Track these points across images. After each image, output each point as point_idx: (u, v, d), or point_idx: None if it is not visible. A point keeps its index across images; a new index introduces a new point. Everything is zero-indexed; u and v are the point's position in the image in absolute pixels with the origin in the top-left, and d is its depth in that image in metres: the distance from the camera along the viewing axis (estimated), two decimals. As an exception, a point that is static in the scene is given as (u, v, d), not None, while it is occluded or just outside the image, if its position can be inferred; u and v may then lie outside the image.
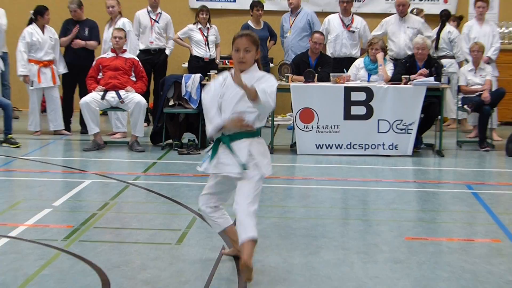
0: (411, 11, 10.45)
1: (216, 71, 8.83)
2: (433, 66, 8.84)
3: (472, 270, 4.43)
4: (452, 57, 10.41)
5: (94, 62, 9.11)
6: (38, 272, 4.26)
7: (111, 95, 8.67)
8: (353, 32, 10.14)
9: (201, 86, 8.63)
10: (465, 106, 9.30)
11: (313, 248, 4.84)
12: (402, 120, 8.43)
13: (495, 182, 7.35)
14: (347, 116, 8.46)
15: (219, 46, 10.55)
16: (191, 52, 10.44)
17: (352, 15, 10.25)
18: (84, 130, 9.52)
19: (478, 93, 9.14)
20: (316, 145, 8.51)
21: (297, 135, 8.58)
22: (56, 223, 5.38)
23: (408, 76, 8.58)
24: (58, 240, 4.91)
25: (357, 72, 9.10)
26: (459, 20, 10.87)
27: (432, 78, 8.54)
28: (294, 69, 9.01)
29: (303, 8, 10.61)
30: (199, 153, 8.33)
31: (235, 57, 4.16)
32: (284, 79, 8.78)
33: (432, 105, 8.60)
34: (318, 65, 9.20)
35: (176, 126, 8.95)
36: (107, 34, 9.81)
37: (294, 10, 10.52)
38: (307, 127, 8.50)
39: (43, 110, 10.14)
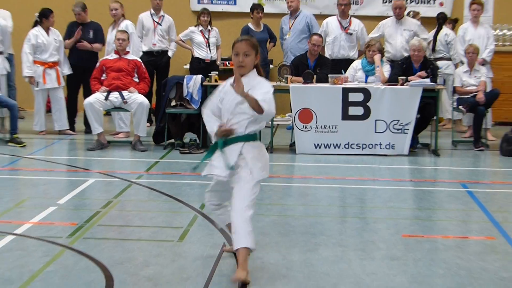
0: (408, 14, 10.46)
1: (217, 72, 8.85)
2: (429, 68, 8.85)
3: (467, 267, 4.44)
4: (449, 59, 10.42)
5: (97, 64, 9.12)
6: (43, 269, 4.26)
7: (114, 96, 8.67)
8: (351, 34, 10.14)
9: (202, 87, 8.65)
10: (460, 107, 9.30)
11: (312, 245, 4.84)
12: (398, 120, 8.43)
13: (490, 181, 7.35)
14: (345, 116, 8.46)
15: (220, 48, 10.55)
16: (193, 54, 10.44)
17: (350, 18, 10.24)
18: (88, 130, 9.54)
19: (473, 94, 9.14)
20: (314, 144, 8.51)
21: (296, 135, 8.58)
22: (61, 221, 5.39)
23: (404, 77, 8.58)
24: (63, 237, 4.91)
25: (355, 73, 9.10)
26: (454, 23, 10.88)
27: (428, 80, 8.55)
28: (293, 71, 9.01)
29: (302, 11, 10.61)
30: (201, 152, 8.32)
31: (235, 61, 4.16)
32: (283, 80, 8.78)
33: (428, 106, 8.61)
34: (316, 66, 9.20)
35: (178, 126, 8.95)
36: (110, 36, 9.82)
37: (293, 12, 10.52)
38: (306, 127, 8.50)
39: (48, 110, 10.14)
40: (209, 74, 8.79)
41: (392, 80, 8.72)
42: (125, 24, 9.77)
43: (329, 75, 8.70)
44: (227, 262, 4.43)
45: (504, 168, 8.08)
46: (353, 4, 11.11)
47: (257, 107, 3.94)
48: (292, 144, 8.85)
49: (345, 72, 9.11)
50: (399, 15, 10.00)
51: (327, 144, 8.51)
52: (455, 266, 4.44)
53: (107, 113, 9.88)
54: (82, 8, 9.89)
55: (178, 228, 5.22)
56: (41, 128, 9.81)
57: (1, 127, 9.97)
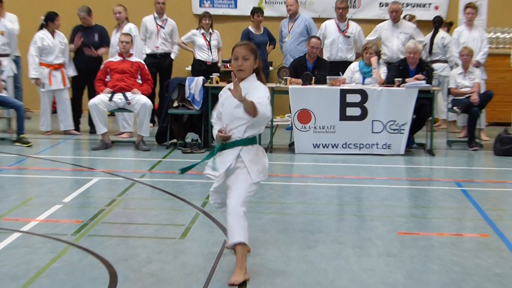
0: (404, 17, 10.46)
1: (218, 74, 8.85)
2: (424, 70, 8.85)
3: (461, 263, 4.44)
4: (445, 61, 10.41)
5: (102, 66, 9.13)
6: (49, 265, 4.27)
7: (118, 97, 8.67)
8: (349, 37, 10.14)
9: (204, 88, 8.66)
10: (455, 108, 9.30)
11: (310, 242, 4.85)
12: (395, 121, 8.43)
13: (483, 179, 7.35)
14: (343, 117, 8.46)
15: (221, 50, 10.54)
16: (194, 56, 10.44)
17: (348, 21, 10.25)
18: (92, 130, 9.54)
19: (467, 95, 9.14)
20: (313, 144, 8.51)
21: (295, 135, 8.58)
22: (66, 218, 5.39)
23: (400, 79, 8.59)
24: (68, 235, 4.91)
25: (352, 75, 9.09)
26: (449, 26, 10.88)
27: (423, 81, 8.56)
28: (292, 72, 9.01)
29: (301, 14, 10.61)
30: (202, 152, 8.33)
31: (234, 65, 4.16)
32: (282, 82, 8.79)
33: (424, 107, 8.62)
34: (315, 68, 9.21)
35: (180, 126, 8.96)
36: (114, 38, 9.82)
37: (293, 16, 10.52)
38: (304, 127, 8.51)
39: (54, 111, 10.14)
40: (211, 76, 8.79)
41: (388, 81, 8.72)
42: (129, 27, 9.77)
43: (327, 77, 8.71)
44: (228, 259, 4.43)
45: (497, 167, 8.08)
46: (350, 7, 11.11)
47: (252, 111, 3.94)
48: (291, 144, 8.86)
49: (342, 74, 9.12)
50: (395, 19, 10.01)
51: (325, 144, 8.51)
52: (450, 263, 4.45)
53: (111, 113, 9.88)
54: (87, 12, 9.90)
55: (180, 226, 5.23)
56: (47, 128, 9.81)
57: (8, 127, 9.99)
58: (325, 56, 10.08)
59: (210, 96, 8.47)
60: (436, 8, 11.94)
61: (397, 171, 7.80)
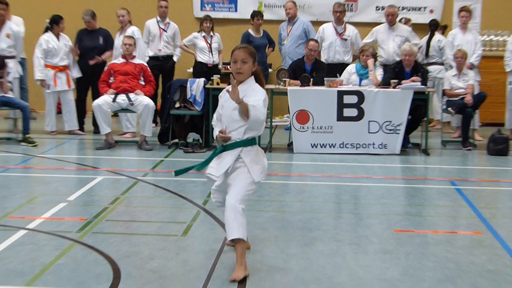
0: (400, 21, 10.47)
1: (218, 76, 8.85)
2: (420, 71, 8.85)
3: (455, 260, 4.44)
4: (442, 63, 10.40)
5: (105, 67, 9.13)
6: (54, 262, 4.26)
7: (121, 98, 8.67)
8: (346, 40, 10.15)
9: (205, 89, 8.66)
10: (449, 109, 9.30)
11: (309, 239, 4.84)
12: (391, 121, 8.43)
13: (477, 179, 7.36)
14: (340, 117, 8.46)
15: (221, 53, 10.54)
16: (196, 58, 10.44)
17: (345, 24, 10.26)
18: (96, 130, 9.54)
19: (461, 96, 9.14)
20: (311, 144, 8.51)
21: (293, 135, 8.58)
22: (71, 216, 5.39)
23: (396, 80, 8.59)
24: (73, 232, 4.91)
25: (349, 77, 9.09)
26: (444, 29, 10.88)
27: (419, 83, 8.56)
28: (291, 74, 9.01)
29: (299, 18, 10.61)
30: (203, 152, 8.33)
31: (233, 68, 4.14)
32: (281, 83, 8.79)
33: (419, 108, 8.61)
34: (313, 70, 9.21)
35: (181, 126, 8.96)
36: (117, 41, 9.82)
37: (291, 19, 10.52)
38: (303, 127, 8.50)
39: (59, 111, 10.14)
40: (211, 78, 8.79)
41: (384, 83, 8.72)
42: (132, 30, 9.77)
43: (325, 79, 8.70)
44: (229, 256, 4.43)
45: (490, 166, 8.08)
46: (347, 11, 11.13)
47: (246, 114, 3.94)
48: (290, 144, 8.86)
49: (340, 76, 9.12)
50: (391, 22, 10.01)
51: (323, 144, 8.51)
52: (444, 260, 4.45)
53: (115, 114, 9.87)
54: (92, 15, 9.90)
55: (182, 223, 5.22)
56: (52, 128, 9.81)
57: (14, 127, 9.99)
58: (323, 58, 10.08)
59: (211, 97, 8.47)
60: (431, 11, 11.94)
61: (393, 170, 7.80)
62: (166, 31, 10.34)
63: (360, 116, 8.44)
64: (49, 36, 9.59)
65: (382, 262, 4.39)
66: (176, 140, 8.92)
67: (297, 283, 3.98)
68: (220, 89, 4.61)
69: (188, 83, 8.78)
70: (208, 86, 8.67)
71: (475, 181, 7.13)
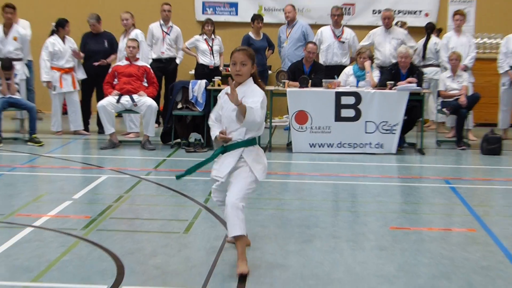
0: (396, 24, 10.46)
1: (219, 78, 8.84)
2: (415, 73, 8.85)
3: (450, 257, 4.44)
4: (438, 65, 10.39)
5: (110, 69, 9.13)
6: (59, 258, 4.26)
7: (125, 99, 8.67)
8: (343, 42, 10.15)
9: (206, 91, 8.65)
10: (444, 109, 9.30)
11: (307, 236, 4.84)
12: (387, 122, 8.43)
13: (471, 177, 7.35)
14: (338, 118, 8.46)
15: (222, 55, 10.54)
16: (197, 60, 10.44)
17: (343, 27, 10.25)
18: (101, 130, 9.54)
19: (455, 97, 9.14)
20: (309, 144, 8.51)
21: (292, 135, 8.57)
22: (76, 214, 5.39)
23: (392, 82, 8.58)
24: (77, 229, 4.91)
25: (347, 78, 9.09)
26: (438, 32, 10.87)
27: (414, 84, 8.56)
28: (290, 76, 9.01)
29: (298, 21, 10.61)
30: (205, 151, 8.33)
31: (232, 70, 4.12)
32: (281, 85, 8.79)
33: (414, 108, 8.61)
34: (311, 72, 9.20)
35: (183, 126, 8.95)
36: (121, 44, 9.82)
37: (290, 22, 10.52)
38: (301, 128, 8.50)
39: (64, 112, 10.13)
40: (213, 79, 8.78)
41: (381, 84, 8.71)
42: (135, 33, 9.77)
43: (323, 80, 8.70)
44: (229, 252, 4.42)
45: (484, 165, 8.07)
46: (345, 14, 11.11)
47: (244, 115, 3.91)
48: (289, 144, 8.86)
49: (337, 77, 9.11)
50: (387, 25, 10.02)
51: (321, 144, 8.51)
52: (439, 256, 4.44)
53: (119, 115, 9.88)
54: (96, 19, 9.90)
55: (184, 221, 5.22)
56: (57, 128, 9.81)
57: (21, 127, 9.98)
58: (321, 60, 10.07)
59: (212, 98, 8.46)
60: (426, 15, 11.93)
61: (389, 169, 7.79)
62: (169, 34, 10.33)
63: (357, 116, 8.44)
64: (55, 39, 9.59)
65: (378, 258, 4.39)
66: (178, 140, 8.91)
67: (296, 279, 3.98)
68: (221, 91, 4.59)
69: (190, 84, 8.78)
70: (209, 87, 8.66)
71: (469, 180, 7.13)
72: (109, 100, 8.62)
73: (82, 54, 9.80)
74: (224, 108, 4.17)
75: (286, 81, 8.79)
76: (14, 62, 9.30)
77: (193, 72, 10.88)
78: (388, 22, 9.98)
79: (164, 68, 10.33)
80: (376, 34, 10.13)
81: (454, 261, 4.34)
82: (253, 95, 4.05)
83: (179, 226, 5.08)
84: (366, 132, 8.46)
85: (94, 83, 9.85)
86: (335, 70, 9.66)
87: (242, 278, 3.95)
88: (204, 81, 8.80)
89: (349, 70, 9.20)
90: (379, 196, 6.24)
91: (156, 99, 9.17)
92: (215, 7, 12.19)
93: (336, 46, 10.11)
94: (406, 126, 8.74)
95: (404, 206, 5.97)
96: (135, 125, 9.77)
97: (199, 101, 8.67)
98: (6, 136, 9.15)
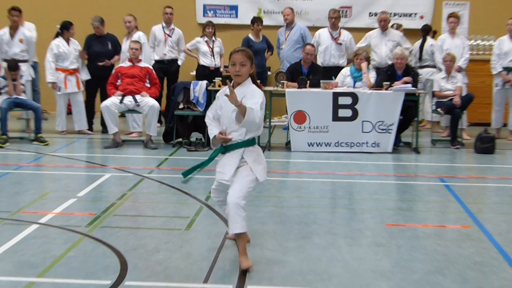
0: (391, 26, 10.47)
1: (220, 78, 8.84)
2: (410, 74, 8.85)
3: (444, 253, 4.44)
4: (434, 66, 10.40)
5: (113, 71, 9.13)
6: (64, 254, 4.26)
7: (128, 99, 8.67)
8: (341, 44, 10.15)
9: (207, 91, 8.66)
10: (439, 109, 9.30)
11: (305, 233, 4.84)
12: (383, 121, 8.43)
13: (465, 175, 7.35)
14: (335, 117, 8.46)
15: (223, 57, 10.54)
16: (199, 62, 10.44)
17: (340, 29, 10.25)
18: (104, 130, 9.53)
19: (450, 97, 9.14)
20: (308, 143, 8.51)
21: (291, 134, 8.57)
22: (80, 211, 5.39)
23: (388, 82, 8.58)
24: (82, 226, 4.91)
25: (344, 79, 9.09)
26: (433, 34, 10.87)
27: (409, 85, 8.56)
28: (288, 77, 9.01)
29: (296, 23, 10.61)
30: (206, 150, 8.33)
31: (232, 71, 4.08)
32: (280, 85, 8.79)
33: (410, 108, 8.61)
34: (309, 73, 9.20)
35: (185, 126, 8.95)
36: (124, 45, 9.81)
37: (289, 25, 10.52)
38: (300, 127, 8.50)
39: (69, 112, 10.14)
40: (213, 80, 8.79)
41: (377, 85, 8.71)
42: (138, 35, 9.76)
43: (321, 81, 8.70)
44: (230, 249, 4.43)
45: (477, 164, 8.08)
46: (342, 17, 11.11)
47: (243, 116, 3.89)
48: (288, 143, 8.86)
49: (335, 78, 9.12)
50: (383, 27, 10.02)
51: (319, 143, 8.51)
52: (434, 252, 4.45)
53: (122, 114, 9.87)
54: (100, 22, 9.89)
55: (185, 218, 5.22)
56: (62, 128, 9.81)
57: (26, 127, 9.98)
58: (319, 61, 10.08)
59: (213, 99, 8.45)
60: (421, 17, 11.93)
61: (385, 167, 7.79)
62: (171, 36, 10.33)
63: (354, 116, 8.44)
64: (59, 41, 9.59)
65: (375, 254, 4.39)
66: (180, 139, 8.92)
67: (295, 275, 3.98)
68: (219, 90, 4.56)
69: (191, 85, 8.78)
70: (210, 88, 8.66)
71: (463, 178, 7.13)
72: (113, 101, 8.62)
73: (86, 55, 9.81)
74: (223, 109, 4.13)
75: (285, 81, 8.79)
76: (20, 64, 9.31)
77: (194, 73, 10.88)
78: (384, 24, 9.98)
79: (166, 69, 10.34)
80: (372, 36, 10.13)
81: (448, 257, 4.35)
82: (253, 96, 4.02)
83: (181, 223, 5.08)
84: (363, 132, 8.47)
85: (98, 84, 9.85)
86: (333, 71, 9.67)
87: (243, 273, 3.95)
88: (205, 82, 8.80)
89: (346, 71, 9.20)
90: (376, 194, 6.24)
91: (158, 99, 9.17)
92: (216, 10, 12.19)
93: (333, 47, 10.11)
94: (402, 126, 8.74)
95: (400, 204, 5.97)
96: (138, 125, 9.77)
97: (200, 101, 8.67)
98: (13, 135, 9.15)
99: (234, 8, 12.16)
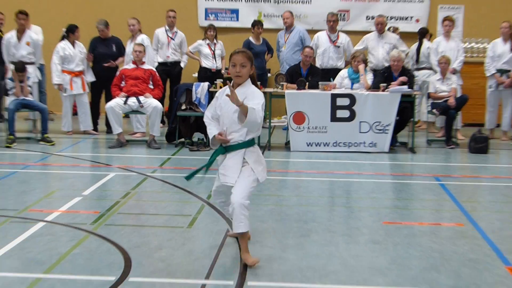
0: (388, 29, 10.46)
1: (221, 80, 8.84)
2: (406, 76, 8.84)
3: (439, 250, 4.44)
4: (430, 68, 10.38)
5: (117, 72, 9.13)
6: (70, 251, 4.27)
7: (132, 101, 8.67)
8: (339, 47, 10.14)
9: (209, 93, 8.65)
10: (434, 110, 9.30)
11: (304, 231, 4.84)
12: (380, 122, 8.43)
13: (459, 175, 7.35)
14: (333, 118, 8.46)
15: (224, 59, 10.54)
16: (200, 64, 10.44)
17: (338, 32, 10.24)
18: (109, 130, 9.54)
19: (445, 99, 9.14)
20: (307, 143, 8.51)
21: (290, 134, 8.57)
22: (85, 210, 5.39)
23: (385, 84, 8.58)
24: (87, 224, 4.91)
25: (342, 81, 9.09)
26: (430, 37, 10.86)
27: (406, 86, 8.56)
28: (288, 78, 9.01)
29: (296, 26, 10.60)
30: (207, 150, 8.32)
31: (232, 72, 4.06)
32: (279, 87, 8.79)
33: (406, 109, 8.61)
34: (308, 75, 9.20)
35: (187, 127, 8.95)
36: (128, 48, 9.81)
37: (288, 28, 10.51)
38: (299, 127, 8.50)
39: (74, 113, 10.14)
40: (215, 82, 8.79)
41: (374, 86, 8.71)
42: (142, 38, 9.77)
43: (319, 83, 8.70)
44: (231, 246, 4.43)
45: (472, 163, 8.07)
46: (340, 20, 11.10)
47: (245, 116, 3.86)
48: (287, 143, 8.85)
49: (333, 80, 9.11)
50: (380, 30, 10.01)
51: (318, 143, 8.51)
52: (429, 249, 4.44)
53: (126, 115, 9.88)
54: (105, 25, 9.90)
55: (187, 216, 5.22)
56: (68, 128, 9.81)
57: (33, 128, 9.98)
58: (318, 64, 10.07)
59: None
60: (417, 21, 11.93)
61: (382, 167, 7.79)
62: (173, 39, 10.33)
63: (352, 117, 8.44)
64: (65, 44, 9.59)
65: (372, 251, 4.39)
66: (183, 139, 8.92)
67: (294, 271, 3.98)
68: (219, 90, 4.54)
69: (194, 86, 8.78)
70: (212, 89, 8.66)
71: (458, 177, 7.12)
72: (117, 102, 8.62)
73: (91, 58, 9.81)
74: (224, 109, 4.09)
75: (285, 83, 8.79)
76: (27, 66, 9.30)
77: (196, 75, 10.87)
78: (381, 27, 9.98)
79: (169, 71, 10.34)
80: (369, 39, 10.13)
81: (444, 254, 4.34)
82: (254, 97, 4.00)
83: (183, 221, 5.08)
84: (360, 132, 8.46)
85: (103, 86, 9.85)
86: (331, 73, 9.66)
87: (244, 269, 3.95)
88: (206, 83, 8.80)
89: (344, 73, 9.20)
90: (373, 193, 6.24)
91: (161, 100, 9.18)
92: (217, 13, 12.19)
93: (331, 50, 10.10)
94: (398, 126, 8.74)
95: (396, 202, 5.97)
96: (142, 125, 9.76)
97: (202, 103, 8.67)
98: (20, 136, 9.15)
99: (235, 11, 12.16)
